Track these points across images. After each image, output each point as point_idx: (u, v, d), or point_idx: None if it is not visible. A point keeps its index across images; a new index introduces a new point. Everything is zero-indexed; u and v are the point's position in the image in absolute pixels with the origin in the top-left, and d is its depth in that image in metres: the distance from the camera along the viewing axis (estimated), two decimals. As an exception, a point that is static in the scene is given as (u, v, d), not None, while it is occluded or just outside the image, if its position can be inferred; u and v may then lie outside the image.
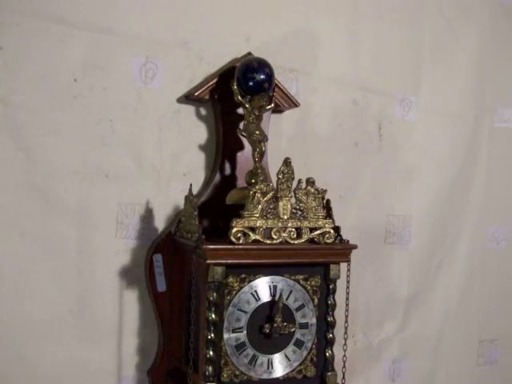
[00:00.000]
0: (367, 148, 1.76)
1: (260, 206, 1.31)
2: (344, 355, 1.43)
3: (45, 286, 1.42)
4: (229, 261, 1.28)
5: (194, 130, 1.54)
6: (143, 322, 1.51)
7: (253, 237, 1.30)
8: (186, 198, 1.40)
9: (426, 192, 1.87)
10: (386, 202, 1.80)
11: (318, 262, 1.37)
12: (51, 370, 1.43)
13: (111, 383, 1.49)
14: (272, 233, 1.32)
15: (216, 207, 1.48)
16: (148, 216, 1.50)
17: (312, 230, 1.36)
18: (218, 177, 1.52)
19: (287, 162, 1.33)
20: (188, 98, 1.52)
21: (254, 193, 1.30)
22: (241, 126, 1.47)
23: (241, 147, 1.53)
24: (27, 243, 1.39)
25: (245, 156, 1.53)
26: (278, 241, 1.32)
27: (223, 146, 1.53)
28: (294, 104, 1.58)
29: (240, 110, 1.52)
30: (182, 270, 1.46)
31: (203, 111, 1.55)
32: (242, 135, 1.44)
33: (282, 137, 1.60)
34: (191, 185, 1.38)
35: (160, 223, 1.51)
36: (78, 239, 1.44)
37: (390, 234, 1.81)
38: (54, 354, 1.43)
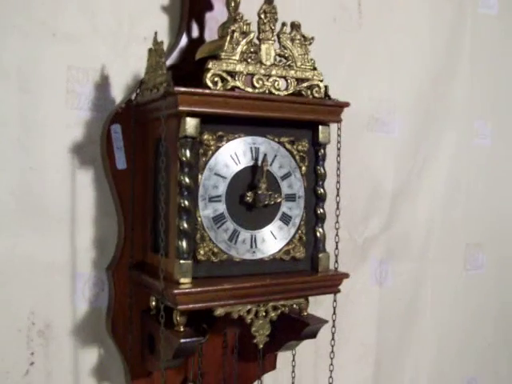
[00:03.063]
0: (346, 25, 1.59)
1: (240, 48, 1.11)
2: (336, 234, 1.25)
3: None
4: (204, 109, 1.07)
5: (155, -13, 1.33)
6: (100, 209, 1.28)
7: (232, 83, 1.10)
8: (150, 50, 1.19)
9: (409, 78, 1.72)
10: (368, 86, 1.64)
11: (306, 118, 1.18)
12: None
13: (64, 282, 1.26)
14: (254, 80, 1.12)
15: (181, 74, 1.26)
16: (104, 84, 1.28)
17: (299, 81, 1.17)
18: (184, 40, 1.31)
19: (270, 0, 1.14)
20: None
21: (233, 31, 1.10)
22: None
23: (210, 7, 1.33)
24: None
25: (214, 17, 1.33)
26: (261, 90, 1.13)
27: (190, 4, 1.32)
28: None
29: (209, -36, 1.32)
30: (146, 144, 1.24)
31: (166, -34, 1.34)
32: (214, -19, 1.24)
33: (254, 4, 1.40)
34: (156, 32, 1.17)
35: (118, 93, 1.29)
36: (21, 108, 1.21)
37: (373, 119, 1.65)
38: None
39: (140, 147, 1.25)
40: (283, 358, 1.45)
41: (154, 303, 1.23)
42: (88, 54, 1.26)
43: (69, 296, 1.27)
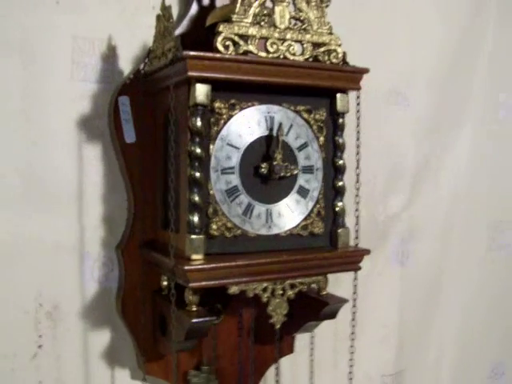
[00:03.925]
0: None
1: (252, 11, 1.05)
2: (356, 209, 1.19)
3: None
4: (215, 75, 1.01)
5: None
6: (108, 185, 1.22)
7: (244, 47, 1.04)
8: (158, 16, 1.13)
9: (430, 49, 1.64)
10: (387, 57, 1.55)
11: (324, 85, 1.11)
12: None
13: (72, 262, 1.21)
14: (267, 44, 1.06)
15: (192, 41, 1.20)
16: (111, 55, 1.22)
17: (315, 46, 1.10)
18: (194, 7, 1.24)
19: (283, -41, 1.07)
20: None
21: (244, -7, 1.04)
22: None
23: (221, -27, 1.27)
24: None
25: (226, -16, 1.27)
26: (275, 55, 1.07)
27: (200, -30, 1.26)
28: None
29: None
30: (155, 115, 1.19)
31: None
32: None
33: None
34: (164, -3, 1.11)
35: (126, 64, 1.23)
36: (24, 80, 1.15)
37: (393, 93, 1.57)
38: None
39: (149, 119, 1.19)
40: (301, 340, 1.39)
41: (165, 283, 1.18)
42: (94, 23, 1.20)
43: (77, 277, 1.22)
